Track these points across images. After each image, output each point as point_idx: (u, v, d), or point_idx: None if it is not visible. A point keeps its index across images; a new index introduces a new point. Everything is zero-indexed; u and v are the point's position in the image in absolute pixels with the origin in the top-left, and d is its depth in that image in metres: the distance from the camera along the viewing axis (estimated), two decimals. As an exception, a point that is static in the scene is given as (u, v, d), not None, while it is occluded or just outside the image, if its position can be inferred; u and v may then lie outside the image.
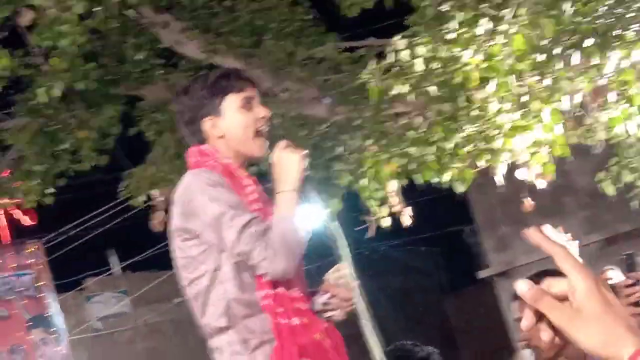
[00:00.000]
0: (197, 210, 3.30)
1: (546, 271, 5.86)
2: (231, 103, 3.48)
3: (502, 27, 6.57)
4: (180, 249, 3.38)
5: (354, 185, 8.04)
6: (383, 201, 8.10)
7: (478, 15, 6.85)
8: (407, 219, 8.12)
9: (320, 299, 3.47)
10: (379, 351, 15.96)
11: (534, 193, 7.74)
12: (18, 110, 9.40)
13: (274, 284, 3.29)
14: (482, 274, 17.55)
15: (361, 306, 17.15)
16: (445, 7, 7.11)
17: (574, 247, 7.64)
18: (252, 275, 3.29)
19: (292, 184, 3.35)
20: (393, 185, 7.89)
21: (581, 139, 7.81)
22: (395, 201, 8.05)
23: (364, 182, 7.86)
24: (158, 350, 20.74)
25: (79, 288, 20.82)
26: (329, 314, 3.46)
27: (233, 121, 3.47)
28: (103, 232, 20.34)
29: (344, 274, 3.52)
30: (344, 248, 15.79)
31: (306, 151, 3.46)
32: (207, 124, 3.49)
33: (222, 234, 3.26)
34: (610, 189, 9.02)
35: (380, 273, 23.06)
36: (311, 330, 3.34)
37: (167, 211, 9.59)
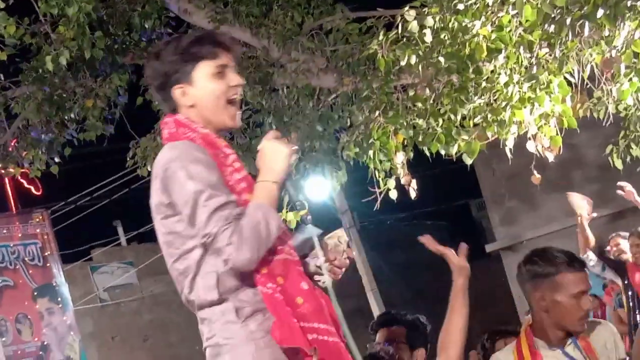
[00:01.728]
0: (176, 186, 3.20)
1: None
2: (203, 71, 3.35)
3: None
4: (163, 226, 3.30)
5: (361, 157, 8.00)
6: (390, 173, 8.07)
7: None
8: (413, 192, 8.08)
9: (315, 261, 3.40)
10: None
11: (543, 167, 7.70)
12: (24, 79, 9.38)
13: (272, 252, 3.21)
14: (489, 247, 17.53)
15: (367, 279, 17.19)
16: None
17: None
18: None
19: (275, 176, 3.27)
20: (400, 157, 7.86)
21: (589, 111, 7.77)
22: (402, 173, 8.02)
23: (371, 153, 7.82)
24: (164, 321, 20.80)
25: (85, 258, 20.85)
26: (317, 277, 3.40)
27: (204, 90, 3.36)
28: (109, 202, 20.38)
29: (340, 240, 3.46)
30: (343, 217, 15.79)
31: (296, 147, 3.36)
32: (177, 92, 3.38)
33: (195, 212, 3.16)
34: (618, 163, 8.99)
35: (387, 246, 23.06)
36: (318, 294, 3.30)
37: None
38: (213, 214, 3.12)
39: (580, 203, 9.08)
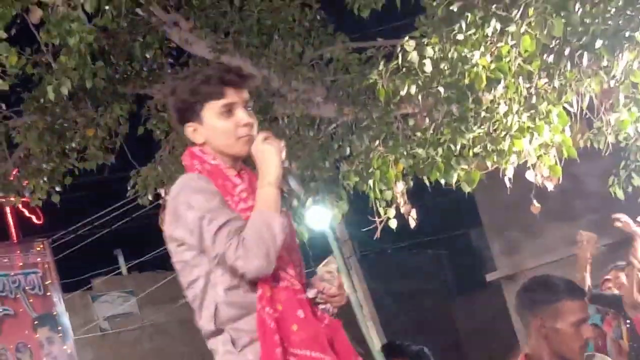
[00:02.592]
0: (180, 218, 3.29)
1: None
2: (211, 110, 3.41)
3: (511, 28, 6.55)
4: (175, 254, 3.37)
5: (361, 186, 8.01)
6: (390, 202, 8.09)
7: (487, 15, 6.83)
8: (412, 221, 8.10)
9: (309, 294, 3.43)
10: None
11: (543, 196, 7.71)
12: (26, 109, 9.41)
13: (276, 279, 3.27)
14: (490, 277, 17.52)
15: (367, 308, 17.14)
16: (454, 7, 7.09)
17: None
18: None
19: (270, 178, 3.31)
20: (400, 186, 7.88)
21: (589, 141, 7.79)
22: (402, 202, 8.04)
23: (371, 182, 7.84)
24: (164, 350, 20.74)
25: (85, 287, 20.83)
26: (321, 307, 3.45)
27: (213, 129, 3.42)
28: (110, 231, 20.37)
29: (330, 269, 3.48)
30: (335, 246, 15.75)
31: (282, 142, 3.40)
32: (189, 130, 3.47)
33: (202, 238, 3.25)
34: (620, 193, 9.01)
35: (387, 275, 23.02)
36: (315, 322, 3.33)
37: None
38: (216, 235, 3.20)
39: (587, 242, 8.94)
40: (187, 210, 3.25)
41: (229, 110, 3.40)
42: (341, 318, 3.52)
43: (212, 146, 3.44)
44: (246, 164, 3.53)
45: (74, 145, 9.64)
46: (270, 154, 3.33)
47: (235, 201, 3.34)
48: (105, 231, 20.33)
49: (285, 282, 3.30)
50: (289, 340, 3.23)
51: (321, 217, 9.83)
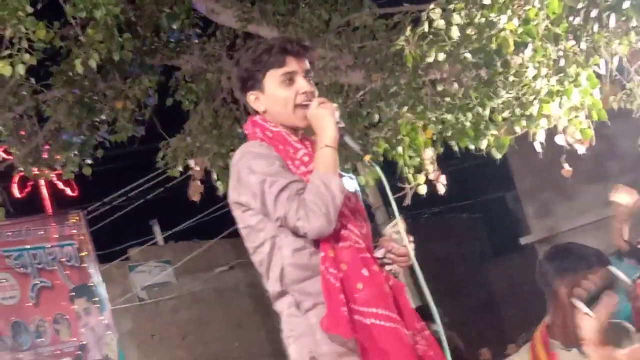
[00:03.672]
0: (243, 183, 3.42)
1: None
2: (272, 79, 3.54)
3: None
4: (240, 220, 3.49)
5: (390, 153, 7.98)
6: (419, 169, 8.05)
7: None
8: (441, 187, 8.06)
9: (377, 253, 3.53)
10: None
11: (576, 158, 7.63)
12: (55, 82, 9.43)
13: (339, 239, 3.36)
14: (524, 240, 17.45)
15: (402, 274, 17.13)
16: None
17: None
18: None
19: (327, 140, 3.41)
20: (429, 153, 7.84)
21: (621, 103, 7.70)
22: (432, 168, 8.00)
23: (400, 149, 7.82)
24: (201, 318, 20.84)
25: (122, 258, 20.94)
26: (387, 267, 3.53)
27: (273, 97, 3.55)
28: (145, 202, 20.44)
29: (398, 229, 3.54)
30: (377, 212, 15.74)
31: (334, 105, 3.50)
32: (251, 98, 3.60)
33: (265, 201, 3.37)
34: (652, 153, 8.92)
35: (423, 239, 22.92)
36: (380, 281, 3.41)
37: (202, 181, 9.66)
38: (277, 198, 3.33)
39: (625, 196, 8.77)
40: (249, 175, 3.39)
41: (290, 78, 3.53)
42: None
43: (272, 116, 3.56)
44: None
45: (103, 117, 9.67)
46: (325, 117, 3.44)
47: (297, 165, 3.46)
48: (141, 202, 20.42)
49: (349, 242, 3.39)
50: (354, 299, 3.33)
51: (352, 184, 9.78)
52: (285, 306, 3.42)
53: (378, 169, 3.54)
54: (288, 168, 3.43)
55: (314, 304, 3.35)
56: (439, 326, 3.50)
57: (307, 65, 3.58)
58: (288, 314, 3.42)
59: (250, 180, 3.38)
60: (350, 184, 3.59)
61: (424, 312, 5.50)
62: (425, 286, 3.47)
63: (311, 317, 3.35)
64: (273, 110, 3.55)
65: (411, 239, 3.59)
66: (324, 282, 3.31)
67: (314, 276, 3.35)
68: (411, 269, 3.52)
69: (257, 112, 3.63)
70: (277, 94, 3.53)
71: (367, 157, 3.52)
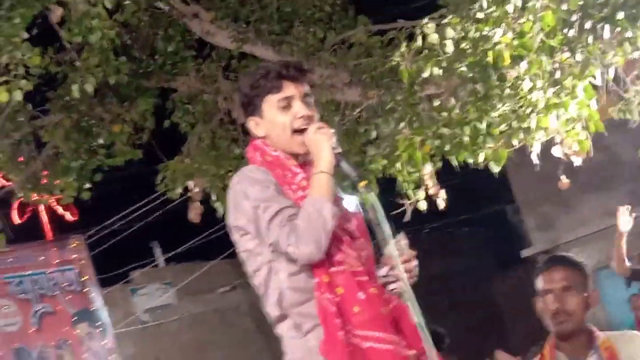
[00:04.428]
0: (239, 208, 3.42)
1: None
2: (269, 104, 3.53)
3: (531, 3, 6.48)
4: (239, 244, 3.49)
5: (388, 170, 7.98)
6: (419, 184, 8.05)
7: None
8: (442, 202, 8.06)
9: (380, 272, 3.51)
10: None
11: (576, 169, 7.63)
12: (52, 107, 9.44)
13: (334, 263, 3.35)
14: (526, 252, 17.43)
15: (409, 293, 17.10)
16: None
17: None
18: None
19: (322, 166, 3.39)
20: (428, 168, 7.84)
21: (619, 114, 7.70)
22: (431, 184, 8.00)
23: (398, 165, 7.81)
24: (204, 340, 20.79)
25: (124, 281, 20.91)
26: (391, 286, 3.50)
27: (272, 122, 3.53)
28: (146, 224, 20.43)
29: (401, 246, 3.52)
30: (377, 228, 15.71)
31: (332, 130, 3.49)
32: (251, 123, 3.60)
33: (259, 227, 3.37)
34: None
35: (423, 255, 22.90)
36: (377, 303, 3.38)
37: (202, 203, 9.65)
38: (270, 224, 3.33)
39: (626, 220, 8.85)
40: (244, 200, 3.39)
41: (287, 104, 3.50)
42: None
43: (272, 140, 3.55)
44: None
45: (101, 141, 9.66)
46: (321, 143, 3.42)
47: (294, 189, 3.45)
48: (141, 224, 20.41)
49: (344, 266, 3.38)
50: (351, 322, 3.32)
51: (351, 202, 9.79)
52: (285, 329, 3.42)
53: (373, 195, 3.52)
54: (285, 193, 3.43)
55: (313, 325, 3.34)
56: (429, 348, 3.48)
57: (305, 89, 3.56)
58: (288, 337, 3.42)
59: (244, 205, 3.38)
60: (351, 205, 3.59)
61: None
62: (417, 305, 3.45)
63: (311, 339, 3.34)
64: (272, 135, 3.54)
65: (414, 254, 3.58)
66: (320, 307, 3.31)
67: (312, 298, 3.35)
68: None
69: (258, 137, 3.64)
70: (275, 119, 3.52)
71: (362, 184, 3.50)
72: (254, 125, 3.59)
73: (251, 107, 3.57)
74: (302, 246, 3.28)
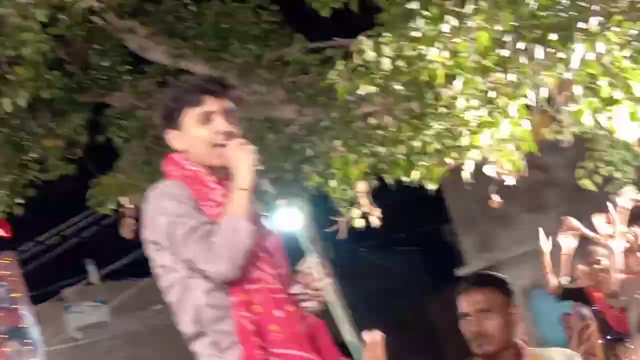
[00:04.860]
0: (155, 223, 3.37)
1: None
2: (190, 117, 3.48)
3: (469, 23, 6.51)
4: (154, 258, 3.43)
5: (323, 187, 7.98)
6: (353, 202, 8.06)
7: (443, 12, 6.79)
8: (376, 221, 8.07)
9: (293, 290, 3.49)
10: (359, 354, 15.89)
11: (512, 189, 7.68)
12: (-17, 122, 9.30)
13: (252, 281, 3.32)
14: (460, 272, 17.53)
15: (340, 308, 17.09)
16: (412, 5, 7.05)
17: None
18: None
19: (241, 183, 3.37)
20: (362, 186, 7.84)
21: (552, 135, 7.77)
22: (365, 202, 8.00)
23: (333, 183, 7.81)
24: (138, 358, 20.64)
25: (57, 298, 20.70)
26: (304, 304, 3.49)
27: (190, 136, 3.49)
28: (80, 241, 20.24)
29: (312, 264, 3.55)
30: (315, 247, 15.72)
31: (252, 147, 3.44)
32: (170, 136, 3.55)
33: (174, 243, 3.33)
34: (588, 184, 9.03)
35: (359, 274, 22.98)
36: (294, 321, 3.37)
37: (137, 219, 9.56)
38: (185, 240, 3.29)
39: (545, 241, 9.12)
40: (159, 215, 3.33)
41: (207, 118, 3.45)
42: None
43: (191, 154, 3.50)
44: None
45: (34, 156, 9.55)
46: (241, 159, 3.38)
47: (211, 206, 3.40)
48: (75, 241, 20.22)
49: (262, 283, 3.35)
50: (269, 341, 3.29)
51: (289, 218, 9.80)
52: (202, 347, 3.36)
53: (293, 213, 3.51)
54: (202, 209, 3.38)
55: (231, 343, 3.30)
56: None
57: (228, 104, 3.52)
58: (205, 354, 3.36)
59: (160, 220, 3.33)
60: (269, 223, 3.57)
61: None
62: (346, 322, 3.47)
63: (229, 358, 3.30)
64: (191, 149, 3.50)
65: (327, 272, 3.59)
66: (237, 325, 3.27)
67: (230, 316, 3.31)
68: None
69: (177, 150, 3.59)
70: (195, 133, 3.47)
71: (280, 202, 3.50)
72: (173, 138, 3.54)
73: (171, 120, 3.52)
74: (218, 264, 3.25)
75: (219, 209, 3.38)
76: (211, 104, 3.47)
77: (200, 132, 3.46)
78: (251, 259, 3.33)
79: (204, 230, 3.29)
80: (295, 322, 3.37)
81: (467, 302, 3.99)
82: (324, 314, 3.58)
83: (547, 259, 8.99)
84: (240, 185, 3.36)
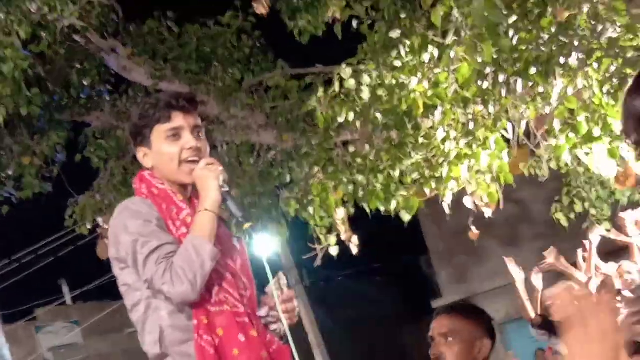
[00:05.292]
0: (119, 241, 3.34)
1: None
2: (158, 134, 3.47)
3: (451, 53, 6.52)
4: (119, 276, 3.42)
5: (301, 213, 7.96)
6: (330, 229, 8.04)
7: (425, 42, 6.80)
8: (354, 248, 8.05)
9: (260, 313, 3.48)
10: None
11: (489, 222, 7.67)
12: (-40, 137, 9.25)
13: (215, 304, 3.30)
14: (435, 303, 17.50)
15: (314, 336, 17.05)
16: (394, 34, 7.06)
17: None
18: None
19: (207, 204, 3.36)
20: (340, 213, 7.83)
21: (530, 170, 7.77)
22: (343, 229, 7.98)
23: (311, 209, 7.79)
24: (110, 381, 20.51)
25: (29, 318, 20.54)
26: (272, 327, 3.48)
27: (160, 153, 3.47)
28: (54, 260, 20.12)
29: (280, 285, 3.51)
30: (290, 273, 15.69)
31: (220, 167, 3.43)
32: (140, 154, 3.54)
33: (136, 262, 3.31)
34: (563, 220, 9.04)
35: (334, 303, 22.94)
36: (258, 346, 3.34)
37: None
38: (147, 260, 3.26)
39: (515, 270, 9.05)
40: (123, 234, 3.31)
41: (175, 134, 3.44)
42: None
43: (160, 171, 3.48)
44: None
45: (9, 173, 9.48)
46: (208, 180, 3.38)
47: (178, 225, 3.38)
48: (49, 260, 20.09)
49: (226, 306, 3.32)
50: None
51: (265, 244, 9.76)
52: None
53: (259, 236, 3.50)
54: (168, 228, 3.36)
55: None
56: None
57: (196, 120, 3.50)
58: None
59: (124, 239, 3.31)
60: (237, 244, 3.53)
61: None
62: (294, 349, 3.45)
63: None
64: (160, 166, 3.48)
65: (293, 294, 3.57)
66: (198, 349, 3.24)
67: (193, 338, 3.28)
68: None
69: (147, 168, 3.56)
70: (163, 150, 3.45)
71: (247, 225, 3.46)
72: (143, 155, 3.52)
73: (140, 137, 3.50)
74: (177, 285, 3.22)
75: (185, 230, 3.36)
76: (179, 120, 3.45)
77: (169, 149, 3.44)
78: (216, 280, 3.30)
79: (166, 250, 3.27)
80: (259, 348, 3.34)
81: (433, 326, 4.03)
82: (297, 339, 3.55)
83: (522, 287, 8.92)
84: (205, 205, 3.35)
